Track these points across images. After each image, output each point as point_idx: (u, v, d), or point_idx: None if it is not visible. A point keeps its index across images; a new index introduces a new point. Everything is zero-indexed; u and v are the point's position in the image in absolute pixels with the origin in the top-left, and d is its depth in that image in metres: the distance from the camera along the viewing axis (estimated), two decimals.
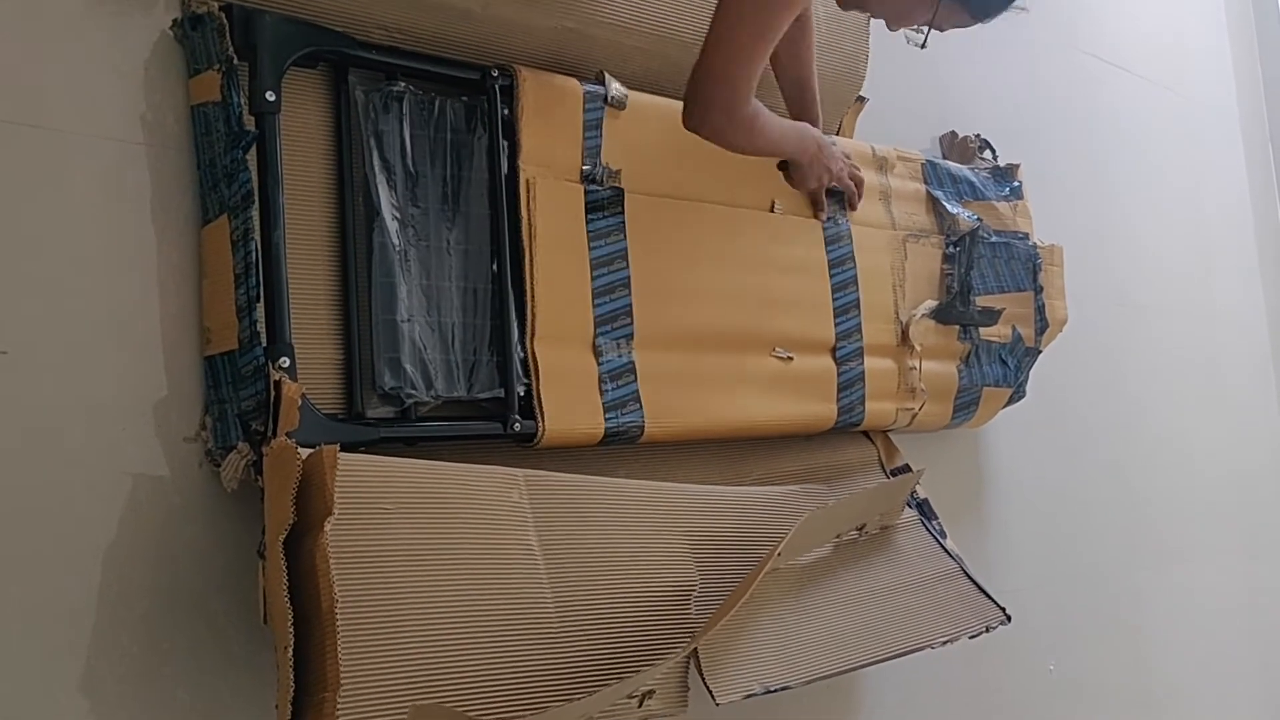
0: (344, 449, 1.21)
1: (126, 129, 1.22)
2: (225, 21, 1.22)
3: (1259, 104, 3.22)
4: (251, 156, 1.22)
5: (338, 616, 1.06)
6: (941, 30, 1.48)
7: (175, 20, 1.26)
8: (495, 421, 1.38)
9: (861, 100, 1.91)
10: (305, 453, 1.10)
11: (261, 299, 1.20)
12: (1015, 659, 2.14)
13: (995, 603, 1.71)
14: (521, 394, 1.40)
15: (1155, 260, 2.74)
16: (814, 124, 1.68)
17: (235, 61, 1.21)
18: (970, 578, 1.73)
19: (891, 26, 1.51)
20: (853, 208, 1.79)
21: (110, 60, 1.22)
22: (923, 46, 1.50)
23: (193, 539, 1.21)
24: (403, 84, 1.37)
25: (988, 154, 2.16)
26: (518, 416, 1.38)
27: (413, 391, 1.32)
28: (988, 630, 1.67)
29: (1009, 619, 1.69)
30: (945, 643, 1.61)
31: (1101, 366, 2.51)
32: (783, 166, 1.71)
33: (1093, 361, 2.47)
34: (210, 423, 1.22)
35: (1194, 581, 2.65)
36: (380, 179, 1.34)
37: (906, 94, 2.13)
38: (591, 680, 1.25)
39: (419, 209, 1.37)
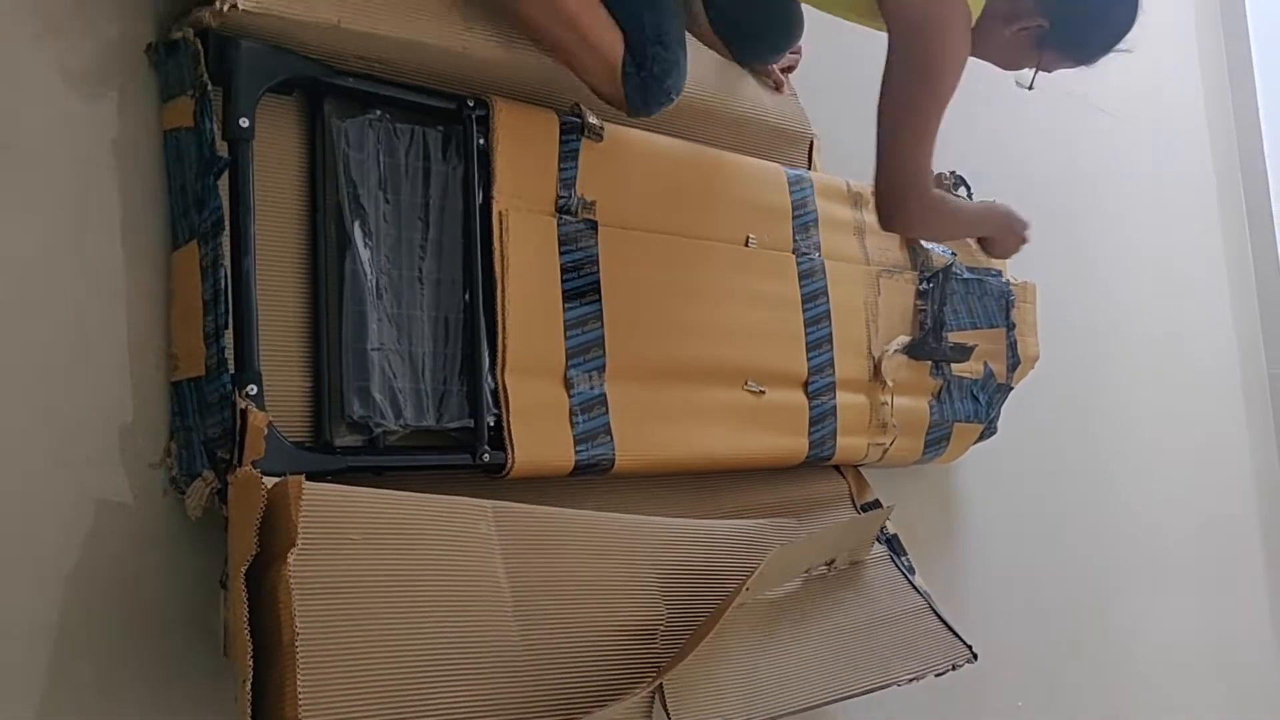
0: (311, 478, 1.20)
1: (98, 152, 1.21)
2: (200, 48, 1.21)
3: (1231, 147, 3.25)
4: (224, 183, 1.21)
5: (298, 650, 1.05)
6: (1049, 73, 1.59)
7: (150, 45, 1.25)
8: (464, 452, 1.37)
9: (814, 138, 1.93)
10: (270, 482, 1.09)
11: (230, 326, 1.19)
12: (985, 695, 2.14)
13: (962, 640, 1.71)
14: (491, 424, 1.39)
15: (1128, 298, 2.76)
16: None
17: (209, 88, 1.21)
18: (938, 614, 1.73)
19: (1005, 67, 1.61)
20: None
21: (83, 83, 1.21)
22: (1029, 88, 1.62)
23: (155, 567, 1.20)
24: (378, 112, 1.37)
25: (962, 191, 2.17)
26: (487, 447, 1.38)
27: (381, 421, 1.31)
28: (954, 668, 1.67)
29: (975, 657, 1.69)
30: (911, 680, 1.60)
31: (1073, 404, 2.53)
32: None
33: (1064, 399, 2.49)
34: (175, 449, 1.21)
35: (1164, 617, 2.65)
36: (353, 207, 1.34)
37: None
38: (556, 715, 1.24)
39: (392, 238, 1.37)
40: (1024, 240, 1.86)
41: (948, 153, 2.21)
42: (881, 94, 1.49)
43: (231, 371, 1.19)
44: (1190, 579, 2.79)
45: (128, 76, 1.24)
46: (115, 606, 1.17)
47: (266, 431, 1.15)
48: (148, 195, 1.24)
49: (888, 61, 1.49)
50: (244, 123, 1.23)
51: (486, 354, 1.40)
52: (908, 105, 1.48)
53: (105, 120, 1.22)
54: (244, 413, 1.14)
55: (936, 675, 1.64)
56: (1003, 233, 1.83)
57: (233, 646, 1.08)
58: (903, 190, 1.52)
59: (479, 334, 1.39)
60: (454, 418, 1.38)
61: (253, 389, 1.19)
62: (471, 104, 1.43)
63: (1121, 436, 2.64)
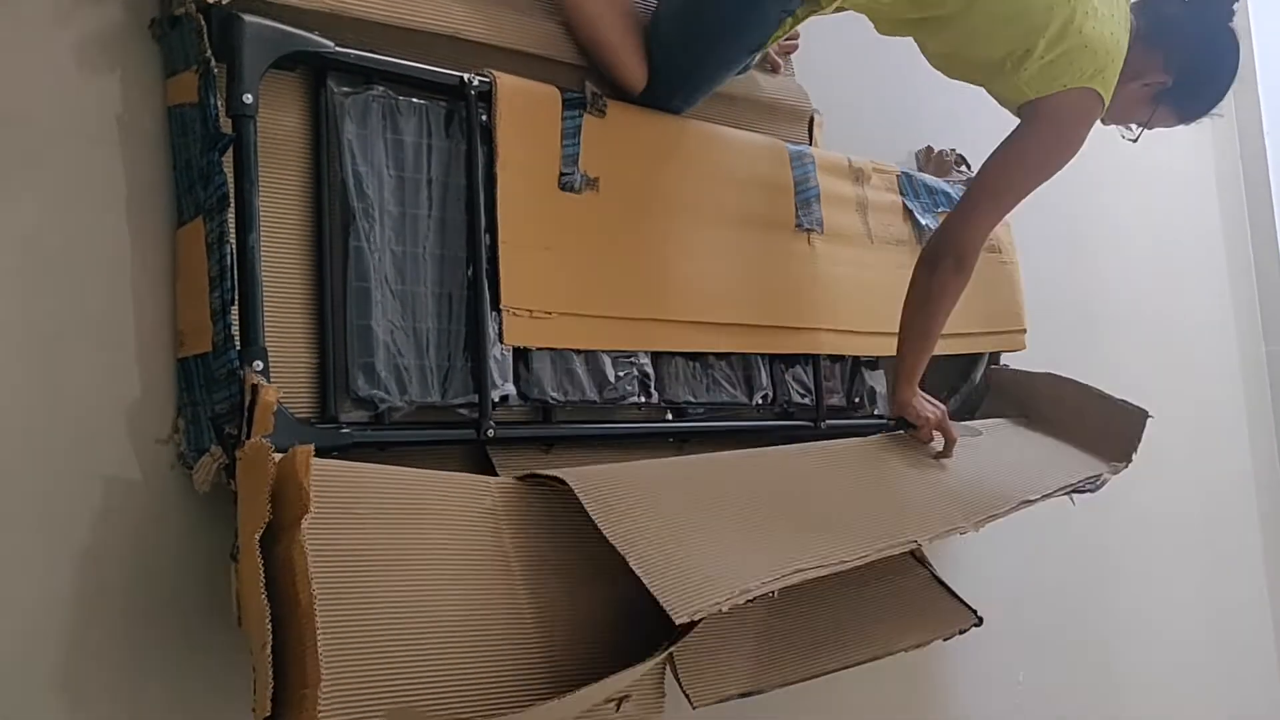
0: (316, 454, 1.21)
1: (102, 128, 1.21)
2: (203, 23, 1.21)
3: (1229, 121, 3.25)
4: (228, 159, 1.21)
5: (316, 613, 1.05)
6: (1151, 129, 1.67)
7: (153, 20, 1.25)
8: (469, 428, 1.38)
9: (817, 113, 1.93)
10: (279, 455, 1.10)
11: (236, 302, 1.19)
12: (986, 670, 2.15)
13: (967, 605, 1.72)
14: (496, 400, 1.40)
15: (1121, 277, 2.76)
16: None
17: (213, 64, 1.21)
18: (942, 583, 1.74)
19: (1106, 122, 1.66)
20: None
21: (87, 59, 1.21)
22: (1134, 141, 1.69)
23: (165, 541, 1.20)
24: (381, 88, 1.37)
25: (964, 168, 2.18)
26: (492, 422, 1.38)
27: (386, 396, 1.32)
28: (960, 633, 1.68)
29: (980, 621, 1.71)
30: (917, 646, 1.62)
31: (1081, 365, 2.52)
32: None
33: (1073, 360, 2.48)
34: (183, 425, 1.21)
35: (1162, 594, 2.67)
36: (357, 183, 1.34)
37: (885, 110, 2.14)
38: (567, 683, 1.25)
39: (395, 214, 1.37)
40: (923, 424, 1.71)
41: (943, 131, 2.23)
42: (992, 161, 1.60)
43: (238, 348, 1.19)
44: (1188, 557, 2.80)
45: (131, 52, 1.24)
46: (125, 581, 1.18)
47: (276, 408, 1.15)
48: (153, 171, 1.24)
49: (1013, 136, 1.60)
50: (248, 99, 1.23)
51: (491, 330, 1.40)
52: (1009, 186, 1.60)
53: (109, 96, 1.22)
54: (255, 389, 1.14)
55: (945, 639, 1.66)
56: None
57: (248, 614, 1.08)
58: (965, 255, 1.61)
59: (483, 310, 1.39)
60: (458, 394, 1.38)
61: (258, 365, 1.20)
62: (474, 79, 1.43)
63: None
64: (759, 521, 1.38)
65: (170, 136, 1.25)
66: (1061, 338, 2.43)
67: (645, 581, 1.18)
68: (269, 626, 1.04)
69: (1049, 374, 1.98)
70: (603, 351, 1.52)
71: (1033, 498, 1.69)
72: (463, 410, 1.39)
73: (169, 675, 1.19)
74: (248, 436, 1.12)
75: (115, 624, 1.16)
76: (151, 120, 1.24)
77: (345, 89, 1.35)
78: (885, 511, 1.50)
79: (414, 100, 1.40)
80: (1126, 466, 1.90)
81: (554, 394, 1.47)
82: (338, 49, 1.32)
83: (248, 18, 1.24)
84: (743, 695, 1.43)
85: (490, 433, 1.38)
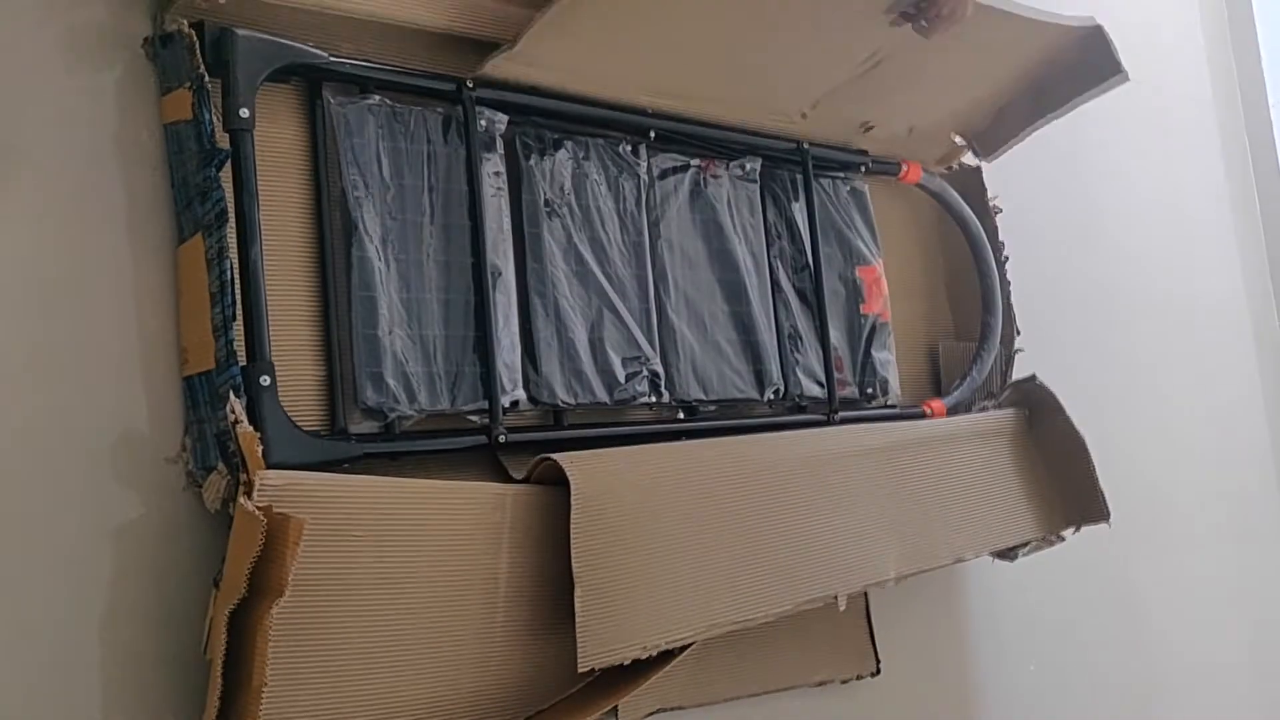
0: (327, 466, 1.21)
1: (99, 147, 1.21)
2: (195, 40, 1.20)
3: (1233, 90, 3.22)
4: (227, 174, 1.21)
5: (263, 701, 1.08)
6: None
7: (146, 38, 1.24)
8: (480, 434, 1.37)
9: None
10: (276, 494, 1.10)
11: (238, 318, 1.19)
12: (999, 659, 2.13)
13: (875, 653, 1.81)
14: (506, 405, 1.39)
15: (1131, 253, 2.73)
16: None
17: (206, 79, 1.20)
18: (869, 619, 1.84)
19: None
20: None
21: (82, 78, 1.21)
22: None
23: (177, 559, 1.20)
24: (377, 97, 1.36)
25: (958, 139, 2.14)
26: (503, 428, 1.37)
27: (395, 405, 1.31)
28: (857, 679, 1.79)
29: (879, 672, 1.80)
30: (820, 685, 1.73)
31: (1094, 353, 2.50)
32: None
33: (1085, 348, 2.46)
34: (190, 443, 1.21)
35: (1181, 578, 2.63)
36: (357, 192, 1.33)
37: None
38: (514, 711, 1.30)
39: (397, 221, 1.36)
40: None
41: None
42: None
43: (241, 364, 1.18)
44: (1213, 522, 2.77)
45: (126, 70, 1.23)
46: (138, 600, 1.17)
47: (260, 446, 1.13)
48: (152, 189, 1.23)
49: None
50: (244, 113, 1.23)
51: (500, 335, 1.39)
52: None
53: (105, 116, 1.22)
54: (235, 426, 1.12)
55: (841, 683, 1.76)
56: None
57: (210, 671, 1.10)
58: None
59: (491, 315, 1.39)
60: (468, 400, 1.37)
61: (265, 380, 1.19)
62: (470, 84, 1.42)
63: (1128, 394, 2.61)
64: (722, 541, 1.45)
65: (167, 154, 1.24)
66: (1069, 319, 2.41)
67: (577, 620, 1.25)
68: (217, 702, 1.08)
69: (1067, 420, 1.95)
70: (612, 349, 1.52)
71: (967, 558, 1.76)
72: (473, 417, 1.38)
73: (179, 697, 1.18)
74: (244, 473, 1.11)
75: (127, 646, 1.16)
76: (148, 137, 1.24)
77: (341, 99, 1.34)
78: (840, 540, 1.57)
79: (411, 107, 1.39)
80: (1057, 543, 1.95)
81: (564, 397, 1.46)
82: (332, 59, 1.32)
83: (241, 31, 1.23)
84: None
85: (501, 438, 1.37)
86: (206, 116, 1.20)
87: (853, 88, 1.77)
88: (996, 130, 2.08)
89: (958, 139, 2.06)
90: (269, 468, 1.12)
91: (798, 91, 1.76)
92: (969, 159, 2.12)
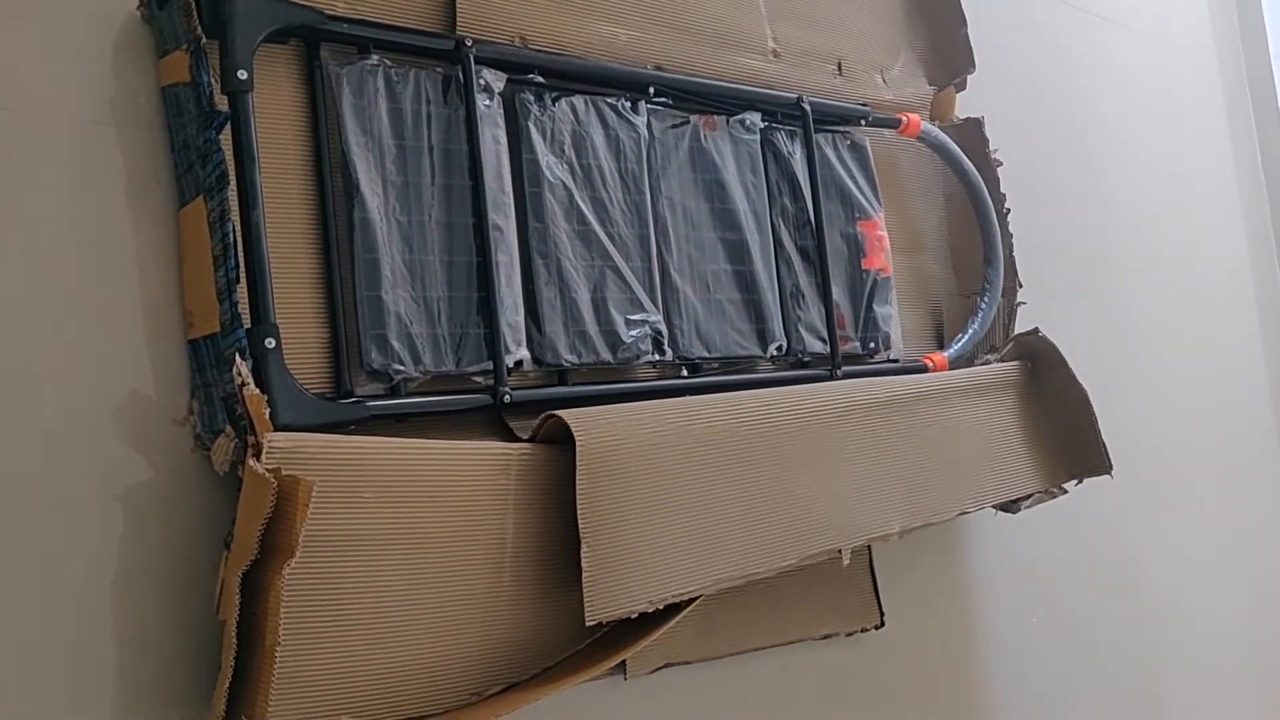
0: (334, 428, 1.21)
1: (97, 111, 1.20)
2: (192, 1, 1.20)
3: (1236, 48, 3.20)
4: (226, 137, 1.20)
5: (277, 660, 1.09)
6: None
7: (141, 1, 1.24)
8: (485, 394, 1.37)
9: None
10: (284, 457, 1.10)
11: (242, 280, 1.19)
12: (998, 612, 2.15)
13: (879, 605, 1.81)
14: (511, 365, 1.39)
15: (1134, 217, 2.72)
16: None
17: (203, 41, 1.19)
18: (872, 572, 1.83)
19: None
20: None
21: (78, 41, 1.20)
22: None
23: (187, 522, 1.20)
24: (376, 57, 1.36)
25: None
26: (508, 388, 1.37)
27: (400, 367, 1.31)
28: (862, 631, 1.81)
29: (882, 624, 1.82)
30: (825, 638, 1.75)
31: (1095, 305, 2.50)
32: None
33: (1087, 301, 2.46)
34: (197, 407, 1.21)
35: (1183, 522, 2.65)
36: (358, 154, 1.33)
37: None
38: (525, 669, 1.31)
39: (398, 183, 1.35)
40: None
41: None
42: None
43: (245, 326, 1.18)
44: (1211, 481, 2.78)
45: (122, 33, 1.23)
46: (149, 562, 1.18)
47: (267, 409, 1.14)
48: (152, 153, 1.23)
49: None
50: (242, 75, 1.22)
51: (503, 295, 1.39)
52: None
53: (103, 78, 1.21)
54: (241, 389, 1.12)
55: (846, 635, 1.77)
56: None
57: (224, 631, 1.11)
58: None
59: (494, 275, 1.39)
60: (473, 361, 1.37)
61: (270, 342, 1.19)
62: (470, 43, 1.41)
63: (1128, 350, 2.61)
64: (726, 496, 1.46)
65: (166, 117, 1.24)
66: (1070, 275, 2.41)
67: (584, 574, 1.27)
68: (231, 663, 1.09)
69: (1069, 372, 1.96)
70: (615, 309, 1.52)
71: (970, 510, 1.77)
72: (478, 378, 1.39)
73: (197, 658, 1.19)
74: (252, 435, 1.11)
75: (139, 607, 1.17)
76: (146, 101, 1.23)
77: (340, 59, 1.33)
78: (843, 495, 1.59)
79: (410, 67, 1.38)
80: (1059, 495, 1.96)
81: (568, 357, 1.46)
82: (330, 19, 1.31)
83: None
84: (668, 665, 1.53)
85: (507, 399, 1.37)
86: (205, 79, 1.19)
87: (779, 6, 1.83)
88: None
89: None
90: (276, 429, 1.13)
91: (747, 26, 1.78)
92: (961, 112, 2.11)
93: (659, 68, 1.65)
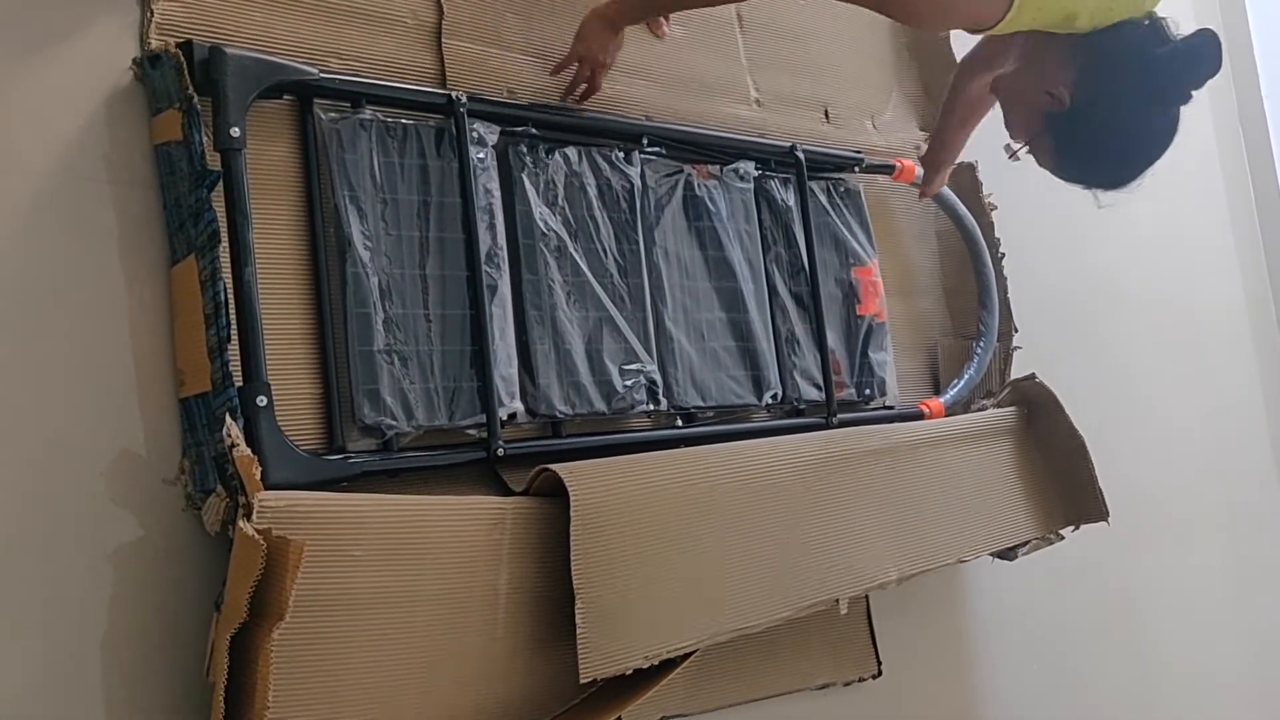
0: (325, 486, 1.21)
1: (90, 169, 1.20)
2: (182, 60, 1.20)
3: (1228, 88, 3.21)
4: (219, 194, 1.20)
5: None
6: (1036, 160, 1.49)
7: (134, 59, 1.24)
8: (478, 449, 1.36)
9: None
10: (275, 517, 1.09)
11: (233, 339, 1.18)
12: (1000, 651, 2.13)
13: (876, 654, 1.81)
14: (504, 418, 1.39)
15: (1127, 257, 2.72)
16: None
17: (196, 100, 1.20)
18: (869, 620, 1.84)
19: (1009, 123, 1.51)
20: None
21: (71, 99, 1.20)
22: (1011, 157, 1.52)
23: (177, 581, 1.19)
24: (369, 111, 1.36)
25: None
26: (501, 441, 1.37)
27: (393, 423, 1.31)
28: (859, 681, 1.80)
29: (880, 674, 1.80)
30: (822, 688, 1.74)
31: (1091, 349, 2.50)
32: None
33: (1083, 344, 2.46)
34: (188, 466, 1.20)
35: (1182, 568, 2.63)
36: (350, 208, 1.32)
37: None
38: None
39: (391, 237, 1.35)
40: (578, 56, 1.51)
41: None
42: None
43: (237, 385, 1.18)
44: (1208, 515, 2.76)
45: (115, 91, 1.23)
46: (139, 621, 1.17)
47: (258, 468, 1.13)
48: (144, 210, 1.23)
49: None
50: (235, 132, 1.22)
51: (496, 348, 1.39)
52: None
53: (96, 136, 1.21)
54: (232, 449, 1.12)
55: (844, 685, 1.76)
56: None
57: (213, 672, 1.10)
58: None
59: (487, 328, 1.38)
60: (466, 414, 1.37)
61: (262, 400, 1.19)
62: (461, 97, 1.41)
63: (1126, 402, 2.59)
64: (722, 548, 1.45)
65: (159, 175, 1.24)
66: (1066, 318, 2.40)
67: (578, 631, 1.26)
68: None
69: (1067, 419, 1.95)
70: (609, 359, 1.51)
71: (967, 558, 1.78)
72: (471, 431, 1.38)
73: (187, 716, 1.18)
74: (243, 496, 1.10)
75: (128, 667, 1.16)
76: (140, 158, 1.23)
77: (333, 115, 1.33)
78: (840, 543, 1.57)
79: (403, 121, 1.38)
80: (1056, 542, 1.97)
81: (562, 408, 1.46)
82: (323, 75, 1.31)
83: (230, 51, 1.23)
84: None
85: (500, 452, 1.37)
86: (197, 138, 1.19)
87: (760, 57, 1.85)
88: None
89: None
90: (268, 488, 1.12)
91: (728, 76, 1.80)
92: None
93: (647, 117, 1.65)
